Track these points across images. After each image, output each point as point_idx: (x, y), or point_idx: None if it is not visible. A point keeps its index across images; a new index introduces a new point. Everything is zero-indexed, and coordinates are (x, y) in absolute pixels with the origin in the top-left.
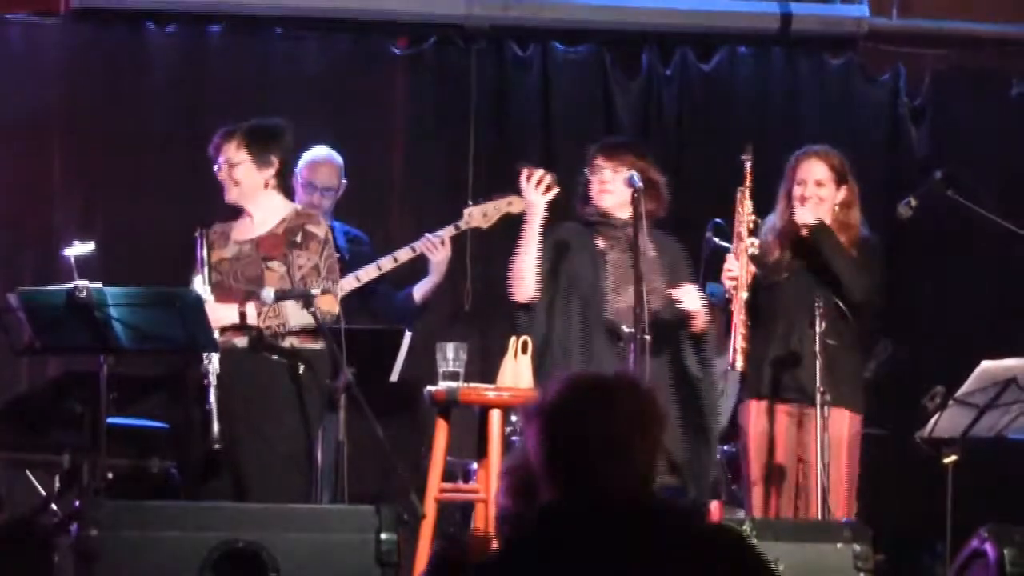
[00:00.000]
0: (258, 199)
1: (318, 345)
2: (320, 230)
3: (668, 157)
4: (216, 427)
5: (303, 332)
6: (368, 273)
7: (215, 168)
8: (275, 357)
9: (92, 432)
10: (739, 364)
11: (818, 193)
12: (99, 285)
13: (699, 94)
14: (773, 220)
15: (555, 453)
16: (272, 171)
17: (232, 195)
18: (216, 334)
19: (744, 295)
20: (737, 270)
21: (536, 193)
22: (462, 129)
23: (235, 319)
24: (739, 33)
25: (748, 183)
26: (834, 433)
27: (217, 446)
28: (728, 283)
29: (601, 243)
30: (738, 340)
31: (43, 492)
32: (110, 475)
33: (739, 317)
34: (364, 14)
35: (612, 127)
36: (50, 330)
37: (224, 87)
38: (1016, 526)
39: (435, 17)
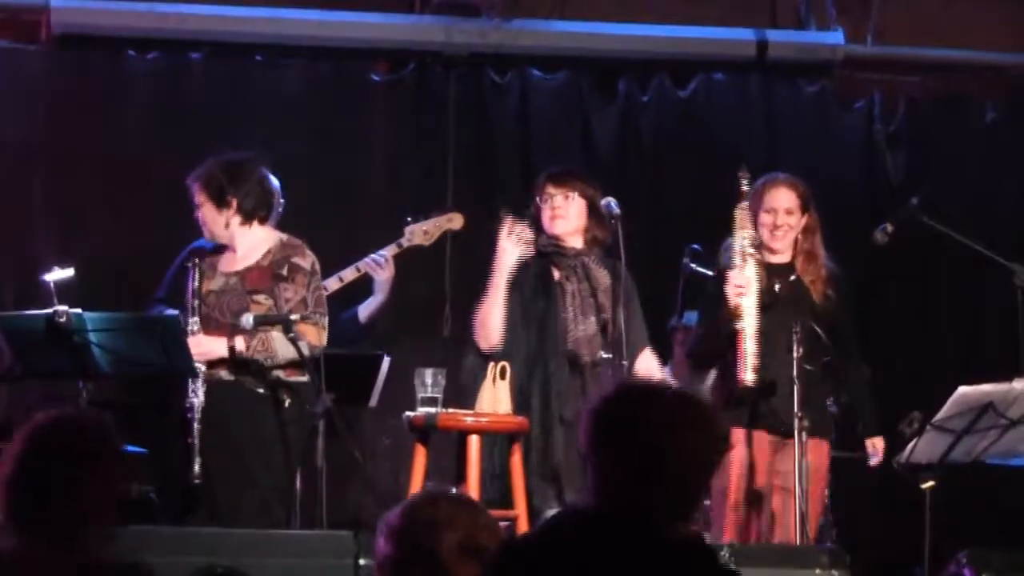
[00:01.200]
0: (234, 235)
1: (304, 377)
2: (306, 262)
3: (645, 183)
4: (197, 462)
5: (289, 365)
6: None
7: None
8: (261, 390)
9: None
10: (749, 380)
11: (788, 221)
12: (79, 310)
13: (676, 120)
14: (739, 246)
15: (594, 454)
16: (231, 211)
17: (206, 235)
18: (202, 367)
19: (752, 312)
20: (746, 282)
21: (510, 243)
22: (441, 155)
23: (223, 353)
24: (716, 60)
25: (744, 200)
26: (814, 461)
27: (197, 481)
28: (737, 298)
29: (557, 274)
30: (749, 356)
31: None
32: None
33: (751, 332)
34: (344, 41)
35: (589, 153)
36: (30, 355)
37: (205, 114)
38: (994, 550)
39: (414, 44)
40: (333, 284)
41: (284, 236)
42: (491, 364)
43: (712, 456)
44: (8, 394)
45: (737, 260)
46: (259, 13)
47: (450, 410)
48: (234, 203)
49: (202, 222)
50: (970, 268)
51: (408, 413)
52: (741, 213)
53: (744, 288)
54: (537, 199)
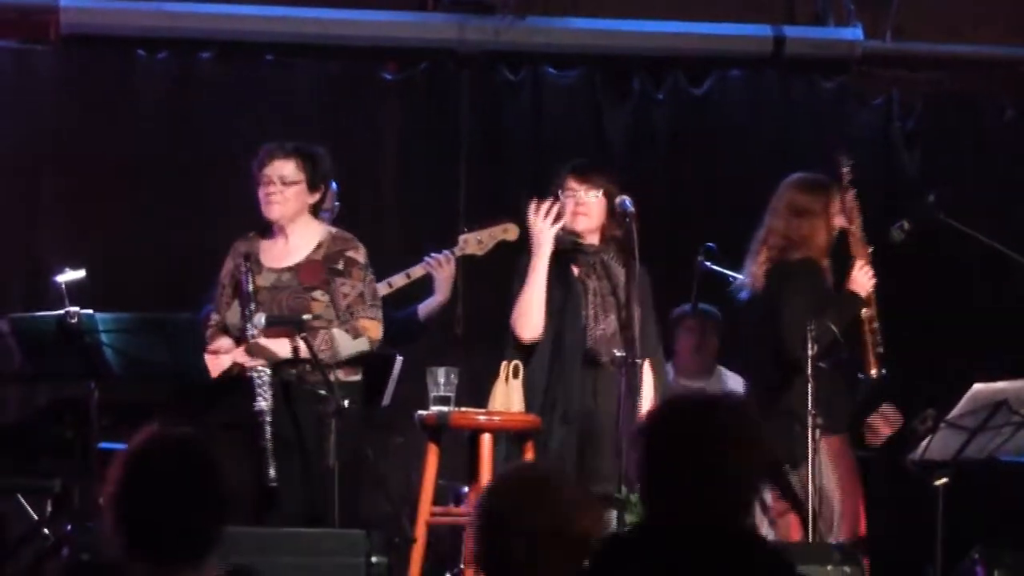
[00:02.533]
0: (298, 222)
1: (358, 376)
2: (360, 255)
3: (659, 181)
4: (272, 465)
5: (347, 364)
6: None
7: (262, 182)
8: (323, 392)
9: (83, 457)
10: (874, 372)
11: None
12: (90, 311)
13: (691, 117)
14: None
15: (650, 472)
16: (318, 196)
17: (276, 213)
18: (267, 370)
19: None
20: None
21: (545, 224)
22: (453, 154)
23: (287, 354)
24: (732, 56)
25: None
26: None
27: (273, 484)
28: (870, 285)
29: (577, 271)
30: (873, 347)
31: (35, 516)
32: (101, 500)
33: (874, 324)
34: (355, 40)
35: (603, 150)
36: (41, 356)
37: (215, 113)
38: (1007, 548)
39: (426, 42)
40: (382, 289)
41: (334, 229)
42: (503, 363)
43: (763, 463)
44: (19, 395)
45: (859, 249)
46: (269, 12)
47: (463, 409)
48: (320, 191)
49: (283, 199)
50: (986, 265)
51: (420, 412)
52: (851, 198)
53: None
54: (559, 192)
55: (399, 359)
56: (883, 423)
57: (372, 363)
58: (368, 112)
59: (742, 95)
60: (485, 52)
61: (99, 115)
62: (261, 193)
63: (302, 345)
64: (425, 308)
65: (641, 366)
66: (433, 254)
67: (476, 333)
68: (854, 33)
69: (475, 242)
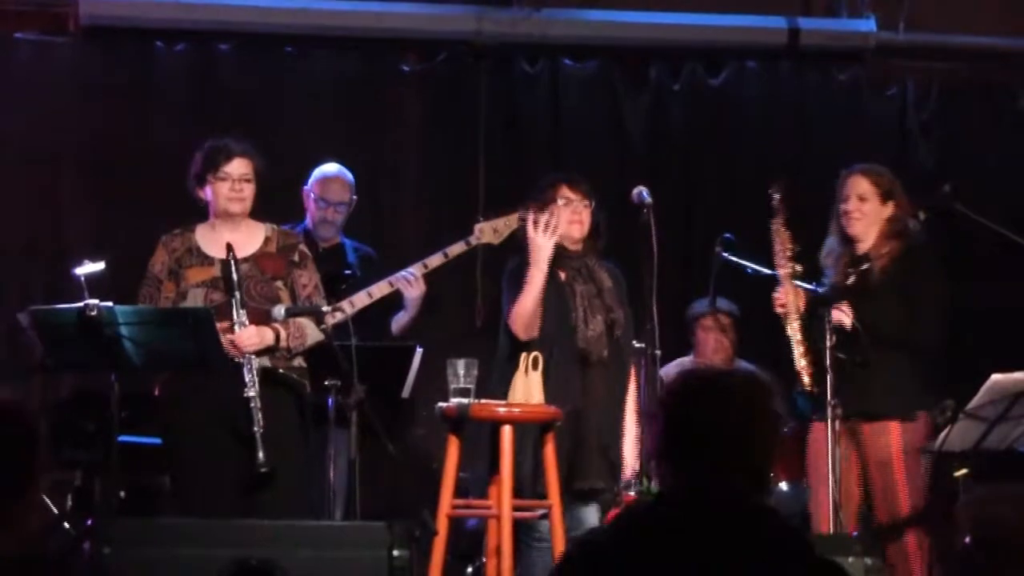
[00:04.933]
0: (246, 218)
1: (304, 363)
2: (307, 250)
3: (676, 171)
4: (262, 451)
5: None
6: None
7: (221, 179)
8: (294, 376)
9: (104, 450)
10: (807, 384)
11: (860, 208)
12: (110, 304)
13: (708, 108)
14: (832, 244)
15: (669, 443)
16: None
17: (239, 208)
18: (254, 357)
19: (796, 322)
20: (784, 297)
21: (544, 237)
22: (472, 144)
23: (271, 341)
24: (747, 48)
25: (781, 215)
26: (880, 444)
27: (264, 469)
28: (779, 310)
29: (563, 275)
30: (802, 363)
31: (55, 510)
32: (122, 493)
33: (796, 342)
34: (373, 32)
35: (620, 141)
36: (61, 348)
37: (234, 105)
38: None
39: (444, 34)
40: (362, 300)
41: (273, 225)
42: (523, 354)
43: (776, 430)
44: (41, 387)
45: (780, 273)
46: (288, 4)
47: (483, 400)
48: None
49: (242, 196)
50: (1003, 255)
51: (441, 404)
52: (776, 228)
53: (785, 304)
54: (546, 198)
55: (419, 351)
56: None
57: (392, 356)
58: (386, 103)
59: (758, 86)
60: (503, 44)
61: (118, 107)
62: (223, 188)
63: (282, 332)
64: (397, 323)
65: (652, 358)
66: (405, 272)
67: (497, 325)
68: (868, 24)
69: (491, 231)
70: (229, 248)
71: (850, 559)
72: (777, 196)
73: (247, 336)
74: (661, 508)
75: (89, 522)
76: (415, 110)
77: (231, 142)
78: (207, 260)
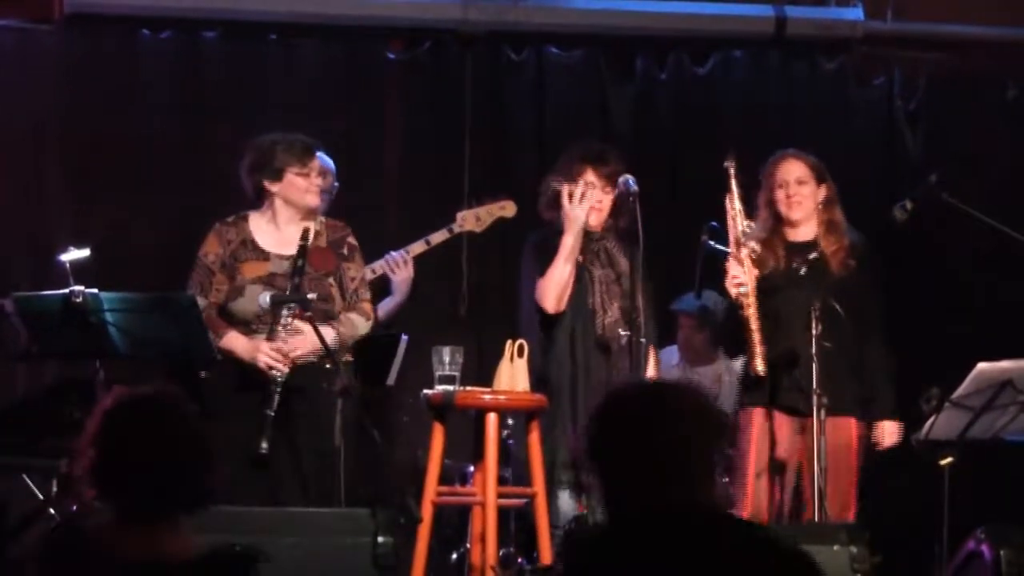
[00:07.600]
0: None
1: (351, 358)
2: (355, 241)
3: (663, 160)
4: (267, 436)
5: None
6: None
7: (303, 174)
8: (328, 366)
9: None
10: (760, 368)
11: (800, 191)
12: (95, 290)
13: (694, 97)
14: (756, 231)
15: (605, 459)
16: None
17: (317, 201)
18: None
19: (753, 303)
20: (743, 275)
21: (578, 208)
22: (457, 133)
23: (316, 344)
24: (734, 37)
25: (734, 188)
26: (841, 439)
27: (263, 452)
28: (736, 290)
29: (581, 259)
30: (756, 345)
31: (41, 496)
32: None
33: (754, 322)
34: (359, 19)
35: (606, 130)
36: (46, 335)
37: (219, 93)
38: (1012, 526)
39: (430, 22)
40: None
41: (323, 217)
42: (508, 341)
43: (715, 441)
44: (26, 373)
45: (732, 251)
46: None
47: (468, 388)
48: None
49: (320, 189)
50: (988, 244)
51: (426, 391)
52: (729, 202)
53: (742, 281)
54: (572, 176)
55: (404, 339)
56: None
57: (377, 343)
58: (372, 91)
59: (745, 75)
60: (489, 32)
61: (103, 94)
62: (303, 183)
63: (330, 332)
64: (383, 308)
65: (647, 347)
66: (392, 254)
67: (481, 312)
68: (855, 13)
69: (473, 219)
70: (304, 235)
71: (835, 547)
72: (732, 170)
73: (299, 343)
74: (613, 533)
75: (74, 509)
76: (400, 97)
77: (306, 138)
78: (262, 254)
